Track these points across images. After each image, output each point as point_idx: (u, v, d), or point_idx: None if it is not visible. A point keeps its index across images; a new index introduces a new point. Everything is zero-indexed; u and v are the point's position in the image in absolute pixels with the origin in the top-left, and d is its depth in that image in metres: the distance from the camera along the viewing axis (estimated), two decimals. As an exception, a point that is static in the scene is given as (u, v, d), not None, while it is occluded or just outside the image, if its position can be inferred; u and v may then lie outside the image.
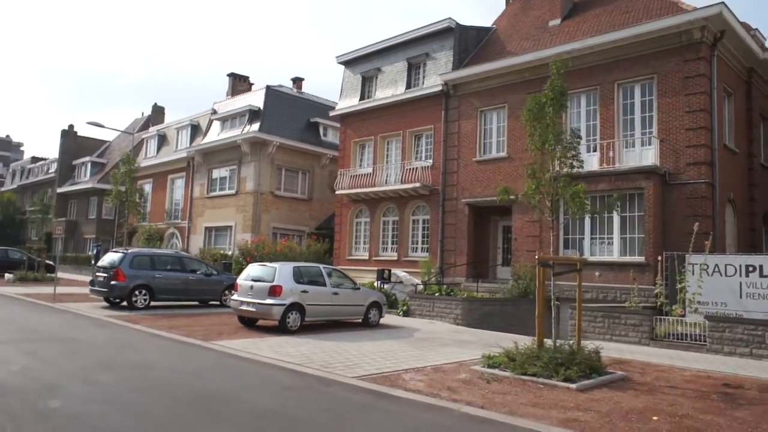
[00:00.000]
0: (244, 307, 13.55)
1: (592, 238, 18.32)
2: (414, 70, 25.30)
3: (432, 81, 23.84)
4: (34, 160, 60.40)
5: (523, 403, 7.27)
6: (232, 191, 31.28)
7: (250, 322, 14.13)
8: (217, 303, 18.66)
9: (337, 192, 26.64)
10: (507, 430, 6.22)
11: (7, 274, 26.63)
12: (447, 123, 23.01)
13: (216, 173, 33.15)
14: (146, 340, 11.67)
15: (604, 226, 18.03)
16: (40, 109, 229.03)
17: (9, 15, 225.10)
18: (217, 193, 32.54)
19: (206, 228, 32.70)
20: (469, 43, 24.38)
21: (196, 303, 18.71)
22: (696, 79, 16.82)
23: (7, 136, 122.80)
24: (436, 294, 17.49)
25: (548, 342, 9.54)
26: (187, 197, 34.65)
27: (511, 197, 10.98)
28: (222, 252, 28.95)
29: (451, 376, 8.94)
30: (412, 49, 25.27)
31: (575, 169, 9.98)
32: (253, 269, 14.23)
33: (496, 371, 9.09)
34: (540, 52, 19.90)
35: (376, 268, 23.21)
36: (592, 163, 18.19)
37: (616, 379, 8.89)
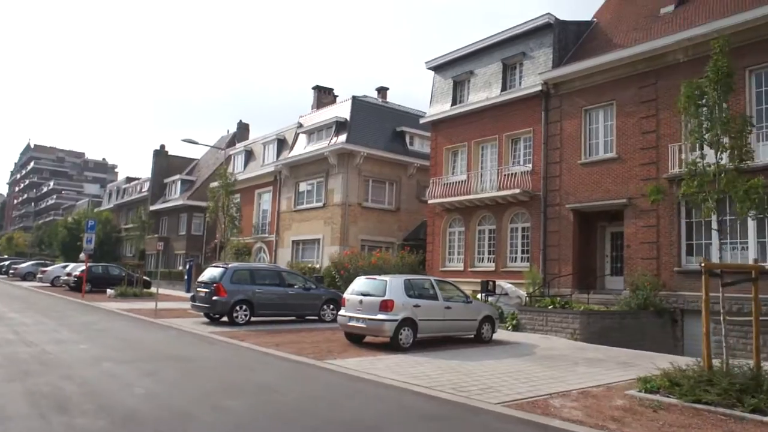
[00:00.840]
0: (353, 323, 12.87)
1: (721, 243, 16.48)
2: (510, 71, 24.14)
3: (530, 81, 22.61)
4: (129, 180, 63.34)
5: (718, 442, 6.07)
6: (320, 204, 31.07)
7: (356, 339, 13.43)
8: (316, 318, 18.18)
9: (429, 201, 25.78)
10: (719, 478, 5.08)
11: (108, 290, 27.48)
12: (548, 124, 21.69)
13: (303, 186, 33.11)
14: (259, 360, 11.17)
15: (736, 230, 16.21)
16: (131, 132, 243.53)
17: (95, 47, 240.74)
18: (305, 206, 32.46)
19: (294, 241, 32.66)
20: (568, 39, 22.99)
21: (294, 318, 18.32)
22: None
23: (103, 159, 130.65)
24: (549, 307, 16.21)
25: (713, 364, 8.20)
26: (275, 211, 34.82)
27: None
28: (310, 265, 28.74)
29: (605, 402, 7.81)
30: (507, 49, 24.13)
31: (744, 162, 8.59)
32: (360, 283, 13.54)
33: (658, 397, 7.87)
34: (656, 41, 18.29)
35: (471, 280, 22.19)
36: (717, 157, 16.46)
37: (814, 410, 7.46)
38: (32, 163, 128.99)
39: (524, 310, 16.84)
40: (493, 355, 11.95)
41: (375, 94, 38.28)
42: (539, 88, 21.75)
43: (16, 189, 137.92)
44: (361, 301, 12.82)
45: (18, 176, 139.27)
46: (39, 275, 39.15)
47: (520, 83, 23.38)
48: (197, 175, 50.90)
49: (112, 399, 7.36)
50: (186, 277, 33.65)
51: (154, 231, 48.41)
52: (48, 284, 36.02)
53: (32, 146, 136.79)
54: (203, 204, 42.94)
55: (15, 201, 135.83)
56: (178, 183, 49.64)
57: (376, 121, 32.22)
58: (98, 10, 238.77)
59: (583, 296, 18.11)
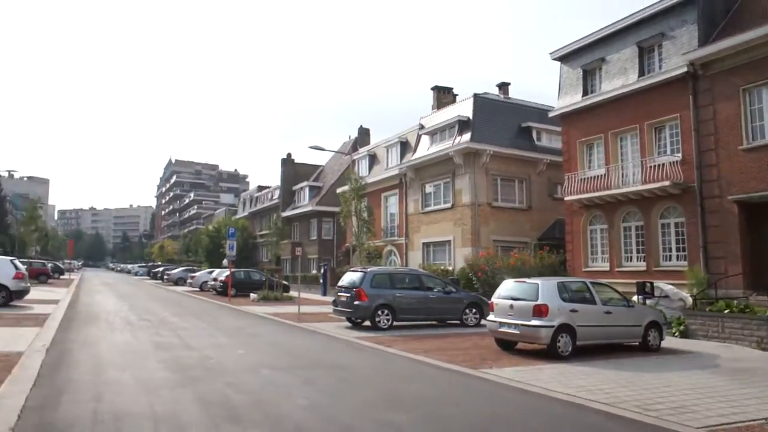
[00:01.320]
0: (504, 329, 12.23)
1: None
2: (647, 55, 22.27)
3: (672, 63, 20.66)
4: (260, 188, 66.70)
5: None
6: (448, 205, 30.57)
7: (507, 345, 12.77)
8: (457, 322, 17.70)
9: (565, 198, 24.40)
10: None
11: (252, 294, 28.83)
12: (697, 109, 19.66)
13: (429, 188, 32.77)
14: (411, 368, 10.85)
15: None
16: (257, 143, 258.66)
17: (223, 66, 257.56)
18: (432, 207, 32.10)
19: (424, 243, 32.40)
20: (715, 12, 20.71)
21: (435, 322, 17.97)
22: None
23: (235, 170, 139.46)
24: (725, 311, 14.47)
25: None
26: (402, 214, 34.80)
27: None
28: (443, 267, 28.31)
29: (843, 432, 6.57)
30: (642, 31, 22.27)
31: None
32: (508, 287, 12.87)
33: None
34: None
35: (620, 281, 20.56)
36: None
37: None
38: (174, 177, 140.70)
39: (692, 315, 15.18)
40: (668, 366, 10.77)
41: (496, 91, 37.17)
42: (684, 69, 19.79)
43: (163, 201, 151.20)
44: (511, 306, 12.15)
45: (163, 189, 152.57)
46: (189, 280, 42.23)
47: (660, 66, 21.50)
48: (323, 181, 52.40)
49: (278, 409, 7.29)
50: (322, 280, 34.61)
51: (287, 236, 50.51)
52: (197, 288, 38.60)
53: (173, 161, 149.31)
54: (331, 209, 44.12)
55: (162, 212, 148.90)
56: (306, 189, 51.40)
57: (500, 117, 31.25)
58: (228, 32, 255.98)
59: (762, 298, 16.04)
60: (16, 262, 21.00)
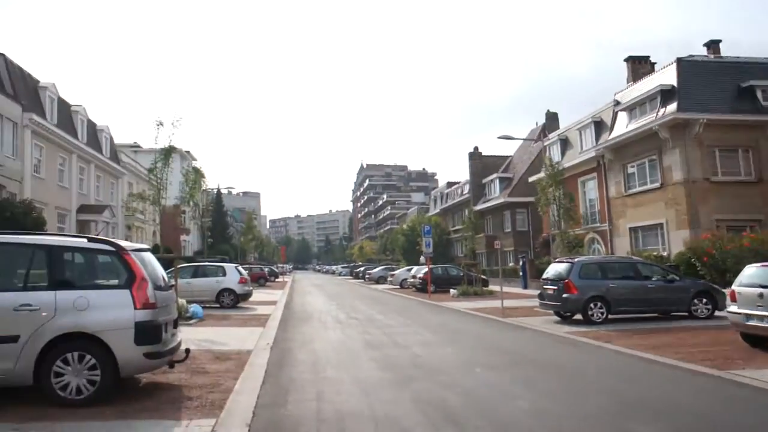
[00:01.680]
0: (753, 323, 10.34)
1: None
2: None
3: None
4: (449, 184, 67.12)
5: None
6: (656, 184, 27.57)
7: (756, 341, 10.81)
8: (685, 314, 15.67)
9: (811, 163, 20.52)
10: None
11: (451, 290, 28.79)
12: None
13: (631, 168, 29.92)
14: (641, 367, 9.60)
15: None
16: (443, 140, 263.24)
17: (400, 71, 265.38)
18: (638, 189, 29.21)
19: (630, 229, 29.66)
20: None
21: (655, 315, 16.13)
22: None
23: (423, 168, 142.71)
24: None
25: None
26: (603, 198, 32.27)
27: None
28: (656, 254, 25.59)
29: None
30: None
31: None
32: (752, 272, 10.87)
33: None
34: None
35: None
36: None
37: None
38: (367, 181, 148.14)
39: None
40: None
41: (703, 52, 32.72)
42: None
43: (358, 204, 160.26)
44: (761, 295, 10.22)
45: (358, 193, 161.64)
46: (389, 278, 43.82)
47: None
48: (513, 171, 50.94)
49: (499, 413, 6.73)
50: (521, 273, 33.57)
51: (480, 230, 50.02)
52: (397, 286, 39.78)
53: (365, 166, 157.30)
54: (524, 200, 42.63)
55: (359, 215, 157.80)
56: (497, 182, 50.41)
57: (712, 80, 27.45)
58: (407, 35, 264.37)
59: None
60: (240, 268, 23.52)
